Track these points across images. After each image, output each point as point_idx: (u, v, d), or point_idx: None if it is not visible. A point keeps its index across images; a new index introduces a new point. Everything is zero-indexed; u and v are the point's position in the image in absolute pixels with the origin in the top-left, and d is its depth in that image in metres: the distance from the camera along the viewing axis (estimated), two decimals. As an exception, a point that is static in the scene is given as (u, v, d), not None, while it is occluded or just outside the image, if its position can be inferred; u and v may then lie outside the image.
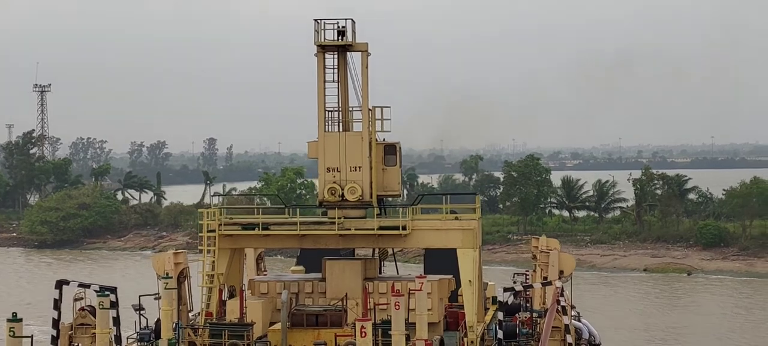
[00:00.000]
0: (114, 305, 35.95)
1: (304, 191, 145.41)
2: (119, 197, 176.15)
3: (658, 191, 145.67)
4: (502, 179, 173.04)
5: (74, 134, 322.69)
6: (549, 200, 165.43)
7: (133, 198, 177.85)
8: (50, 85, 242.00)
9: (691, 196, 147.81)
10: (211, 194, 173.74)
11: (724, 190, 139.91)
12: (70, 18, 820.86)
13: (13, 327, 30.15)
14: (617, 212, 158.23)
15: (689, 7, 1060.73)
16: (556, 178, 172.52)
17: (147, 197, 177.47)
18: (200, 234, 43.42)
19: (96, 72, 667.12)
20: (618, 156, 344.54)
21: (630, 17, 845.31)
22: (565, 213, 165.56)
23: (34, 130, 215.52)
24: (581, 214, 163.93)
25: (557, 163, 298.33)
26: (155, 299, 39.82)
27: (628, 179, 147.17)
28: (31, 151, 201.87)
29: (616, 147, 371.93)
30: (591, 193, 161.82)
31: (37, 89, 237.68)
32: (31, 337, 31.03)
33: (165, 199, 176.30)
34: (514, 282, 47.55)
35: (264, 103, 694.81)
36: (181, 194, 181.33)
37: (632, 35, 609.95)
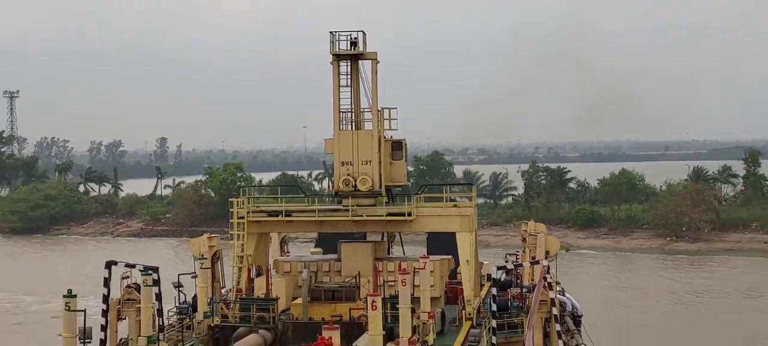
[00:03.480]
0: (156, 282, 36.14)
1: (243, 184, 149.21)
2: (81, 189, 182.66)
3: (543, 181, 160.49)
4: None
5: (39, 134, 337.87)
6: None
7: (93, 190, 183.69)
8: (18, 91, 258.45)
9: (572, 185, 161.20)
10: (163, 186, 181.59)
11: (597, 180, 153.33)
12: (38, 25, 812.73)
13: (69, 302, 29.99)
14: (510, 199, 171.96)
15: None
16: (458, 171, 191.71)
17: (105, 189, 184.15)
18: (231, 220, 44.21)
19: (60, 76, 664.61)
20: (517, 152, 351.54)
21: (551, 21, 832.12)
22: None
23: (4, 131, 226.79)
24: (480, 201, 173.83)
25: (466, 158, 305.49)
26: (192, 277, 41.10)
27: (517, 171, 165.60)
28: (2, 150, 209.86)
29: (517, 144, 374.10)
30: (487, 183, 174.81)
31: (6, 95, 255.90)
32: (84, 311, 30.90)
33: (122, 190, 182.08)
34: (507, 262, 48.05)
35: (211, 106, 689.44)
36: (136, 187, 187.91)
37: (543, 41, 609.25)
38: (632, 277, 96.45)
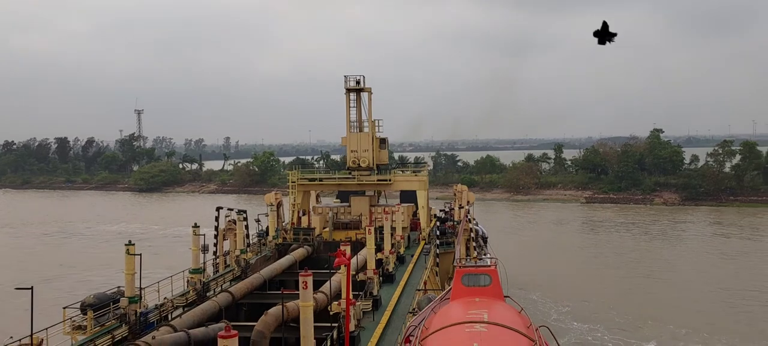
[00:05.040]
0: (245, 218, 37.56)
1: (274, 163, 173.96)
2: (180, 166, 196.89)
3: (444, 162, 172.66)
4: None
5: (155, 134, 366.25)
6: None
7: (187, 167, 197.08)
8: (143, 110, 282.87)
9: (460, 163, 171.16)
10: (227, 164, 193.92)
11: (474, 160, 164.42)
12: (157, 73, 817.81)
13: (195, 230, 30.56)
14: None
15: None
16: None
17: (194, 166, 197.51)
18: (288, 183, 48.18)
19: (166, 100, 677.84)
20: (428, 145, 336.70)
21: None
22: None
23: (135, 133, 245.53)
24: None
25: (400, 149, 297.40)
26: (266, 215, 44.93)
27: (430, 157, 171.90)
28: (135, 144, 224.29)
29: (431, 140, 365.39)
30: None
31: (136, 112, 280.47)
32: (204, 235, 31.26)
33: (204, 167, 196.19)
34: (444, 208, 52.75)
35: (256, 118, 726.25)
36: (211, 165, 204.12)
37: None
38: (493, 215, 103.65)
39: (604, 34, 15.56)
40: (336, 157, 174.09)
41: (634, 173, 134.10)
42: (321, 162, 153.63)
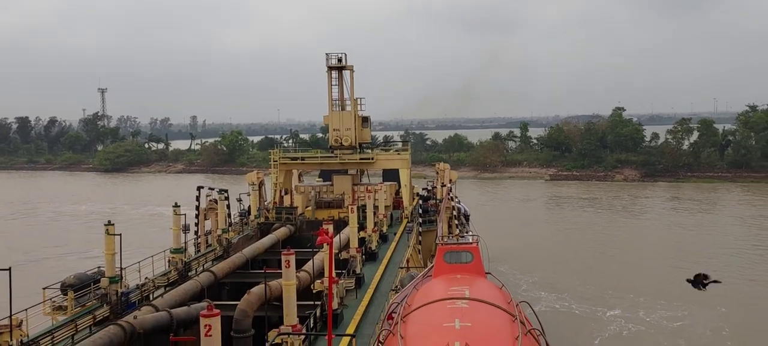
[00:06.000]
0: (226, 198, 37.58)
1: (242, 143, 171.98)
2: (146, 146, 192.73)
3: (412, 140, 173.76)
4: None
5: (120, 113, 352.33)
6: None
7: (153, 147, 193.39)
8: (107, 88, 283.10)
9: (429, 142, 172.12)
10: (195, 144, 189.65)
11: (443, 139, 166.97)
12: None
13: (176, 210, 30.23)
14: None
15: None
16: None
17: (160, 146, 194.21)
18: (271, 161, 47.78)
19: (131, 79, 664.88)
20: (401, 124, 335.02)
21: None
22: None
23: (98, 112, 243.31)
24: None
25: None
26: (247, 195, 45.05)
27: (401, 136, 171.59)
28: (98, 123, 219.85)
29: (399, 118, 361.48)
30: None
31: (99, 91, 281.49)
32: (185, 215, 30.83)
33: (170, 147, 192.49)
34: (427, 186, 52.41)
35: (223, 97, 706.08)
36: (178, 145, 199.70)
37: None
38: (461, 192, 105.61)
39: (697, 282, 18.32)
40: (305, 136, 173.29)
41: (596, 150, 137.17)
42: (290, 141, 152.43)
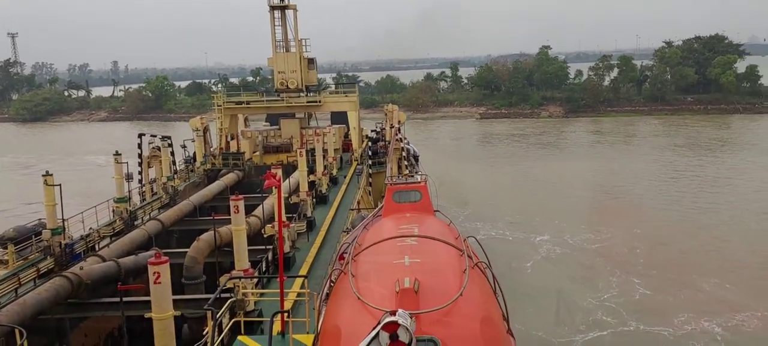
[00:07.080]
0: (170, 145, 36.89)
1: (168, 88, 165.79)
2: (65, 94, 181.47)
3: (345, 82, 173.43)
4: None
5: (34, 60, 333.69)
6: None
7: (74, 94, 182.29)
8: (18, 33, 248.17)
9: (362, 84, 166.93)
10: (118, 90, 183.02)
11: (376, 81, 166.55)
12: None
13: (117, 158, 29.92)
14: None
15: None
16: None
17: (81, 94, 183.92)
18: (215, 106, 46.48)
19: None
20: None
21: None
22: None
23: (10, 58, 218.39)
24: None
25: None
26: (192, 141, 43.96)
27: (331, 78, 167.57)
28: (11, 71, 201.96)
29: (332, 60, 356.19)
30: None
31: (9, 36, 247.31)
32: (127, 163, 30.36)
33: (91, 94, 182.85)
34: (376, 128, 52.17)
35: (147, 39, 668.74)
36: (100, 92, 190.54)
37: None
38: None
39: None
40: (235, 79, 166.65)
41: (523, 88, 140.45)
42: (219, 86, 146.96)
